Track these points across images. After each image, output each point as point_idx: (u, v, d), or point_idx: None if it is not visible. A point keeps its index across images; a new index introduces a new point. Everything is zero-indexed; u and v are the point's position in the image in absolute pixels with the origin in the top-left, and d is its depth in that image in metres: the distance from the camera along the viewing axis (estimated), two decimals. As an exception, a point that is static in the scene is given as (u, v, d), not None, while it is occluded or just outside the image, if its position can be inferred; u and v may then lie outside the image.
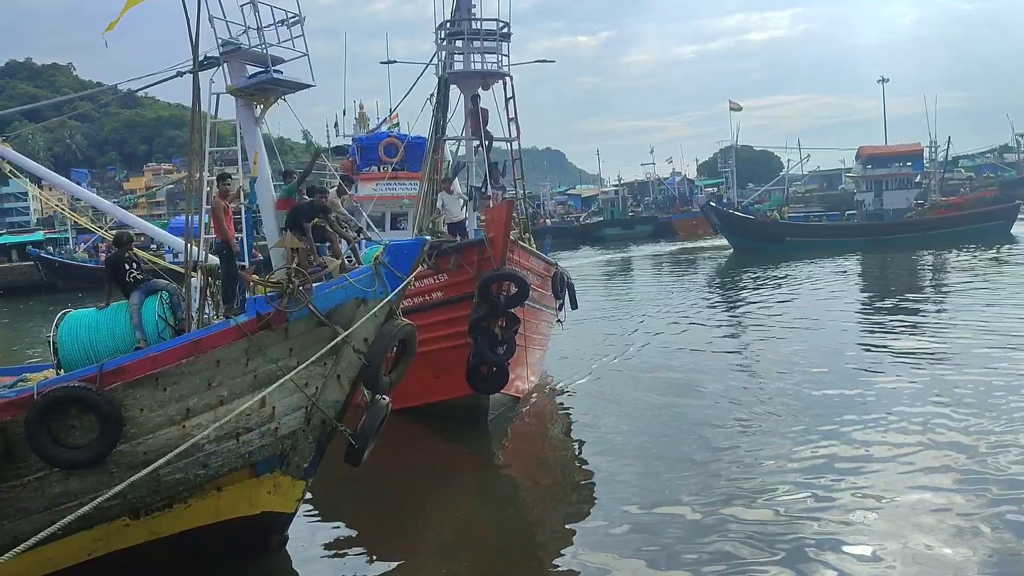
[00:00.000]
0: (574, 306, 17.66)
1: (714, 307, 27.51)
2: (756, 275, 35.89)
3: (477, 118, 16.89)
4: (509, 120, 17.02)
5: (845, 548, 8.42)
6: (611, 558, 8.70)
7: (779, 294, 29.23)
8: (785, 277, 34.59)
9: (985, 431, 11.65)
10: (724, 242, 53.43)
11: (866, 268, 37.70)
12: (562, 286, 16.32)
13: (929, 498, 9.55)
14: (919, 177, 52.47)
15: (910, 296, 26.79)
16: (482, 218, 15.82)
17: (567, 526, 9.86)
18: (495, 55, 16.57)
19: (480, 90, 17.05)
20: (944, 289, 28.37)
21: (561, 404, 15.59)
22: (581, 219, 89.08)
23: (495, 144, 17.46)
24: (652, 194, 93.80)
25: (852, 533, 8.75)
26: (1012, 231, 46.02)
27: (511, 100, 16.90)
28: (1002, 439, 11.17)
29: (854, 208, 54.25)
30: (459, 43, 16.55)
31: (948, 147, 53.46)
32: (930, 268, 35.90)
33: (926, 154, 52.96)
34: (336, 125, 34.81)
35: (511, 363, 13.66)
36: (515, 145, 17.35)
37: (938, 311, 23.01)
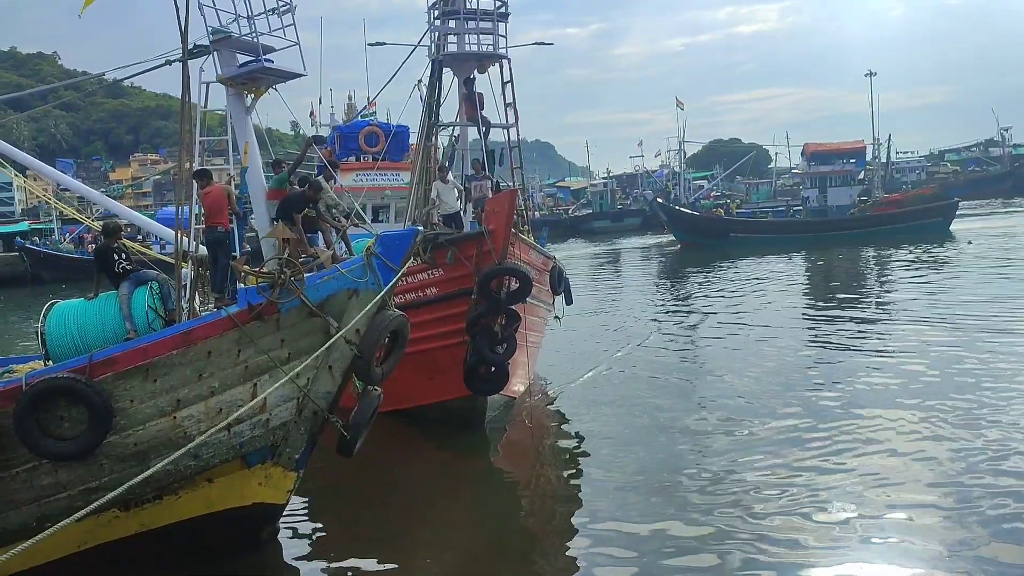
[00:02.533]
0: (569, 301, 17.01)
1: (689, 304, 27.67)
2: (702, 272, 36.57)
3: (472, 103, 16.14)
4: (507, 105, 16.22)
5: (830, 550, 8.46)
6: (607, 560, 8.64)
7: (742, 292, 29.45)
8: (734, 273, 35.03)
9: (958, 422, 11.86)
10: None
11: (809, 265, 38.25)
12: (560, 280, 15.59)
13: (913, 496, 9.57)
14: (862, 174, 52.94)
15: (854, 292, 27.36)
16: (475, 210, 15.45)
17: (564, 528, 9.76)
18: (491, 36, 15.67)
19: (476, 73, 16.26)
20: (893, 285, 28.97)
21: (557, 404, 15.16)
22: (570, 211, 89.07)
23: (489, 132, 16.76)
24: (640, 186, 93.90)
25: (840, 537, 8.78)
26: (951, 228, 46.83)
27: (508, 84, 16.02)
28: (974, 443, 11.15)
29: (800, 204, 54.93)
30: (453, 23, 15.63)
31: (889, 144, 54.36)
32: (874, 264, 36.83)
33: (869, 151, 53.65)
34: (312, 114, 34.50)
35: (510, 362, 12.93)
36: (513, 132, 16.45)
37: (884, 306, 23.46)
